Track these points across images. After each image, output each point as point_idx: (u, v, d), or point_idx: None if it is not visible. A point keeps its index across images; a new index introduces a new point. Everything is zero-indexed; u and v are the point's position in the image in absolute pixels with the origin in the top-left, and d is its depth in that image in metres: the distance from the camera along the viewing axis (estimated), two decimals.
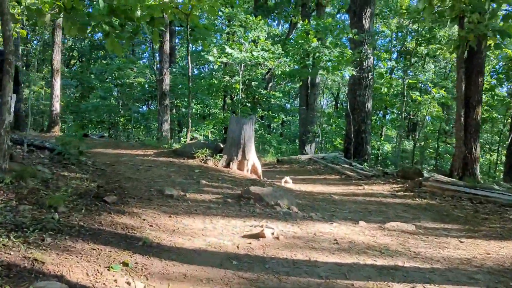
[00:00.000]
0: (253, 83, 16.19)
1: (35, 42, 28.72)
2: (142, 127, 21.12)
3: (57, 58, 14.42)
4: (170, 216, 4.09)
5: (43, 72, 31.30)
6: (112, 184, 4.97)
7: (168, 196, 4.82)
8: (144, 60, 30.14)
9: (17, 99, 20.17)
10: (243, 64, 14.80)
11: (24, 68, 26.67)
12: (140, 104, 21.09)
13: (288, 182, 7.74)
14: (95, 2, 6.28)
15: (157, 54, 16.55)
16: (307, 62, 14.77)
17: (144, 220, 3.85)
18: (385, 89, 16.65)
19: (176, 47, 23.77)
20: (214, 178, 6.37)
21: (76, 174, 5.06)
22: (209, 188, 5.65)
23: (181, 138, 15.31)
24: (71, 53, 33.23)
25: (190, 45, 17.28)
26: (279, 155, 15.57)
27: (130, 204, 4.29)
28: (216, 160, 7.55)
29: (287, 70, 15.44)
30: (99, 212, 3.80)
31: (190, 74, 10.42)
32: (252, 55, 13.70)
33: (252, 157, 7.61)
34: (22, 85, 25.66)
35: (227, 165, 7.40)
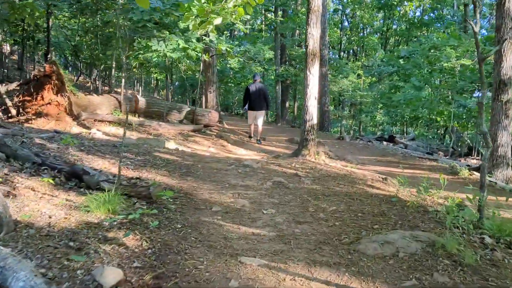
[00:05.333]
0: None
1: None
2: (469, 126, 15.07)
3: (314, 35, 7.76)
4: None
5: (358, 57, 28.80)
6: None
7: None
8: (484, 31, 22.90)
9: (322, 93, 17.35)
10: None
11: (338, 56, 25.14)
12: (468, 95, 14.95)
13: None
14: None
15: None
16: None
17: None
18: None
19: None
20: None
21: None
22: None
23: None
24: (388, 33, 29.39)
25: None
26: None
27: None
28: None
29: None
30: None
31: None
32: None
33: None
34: (340, 75, 24.17)
35: None
